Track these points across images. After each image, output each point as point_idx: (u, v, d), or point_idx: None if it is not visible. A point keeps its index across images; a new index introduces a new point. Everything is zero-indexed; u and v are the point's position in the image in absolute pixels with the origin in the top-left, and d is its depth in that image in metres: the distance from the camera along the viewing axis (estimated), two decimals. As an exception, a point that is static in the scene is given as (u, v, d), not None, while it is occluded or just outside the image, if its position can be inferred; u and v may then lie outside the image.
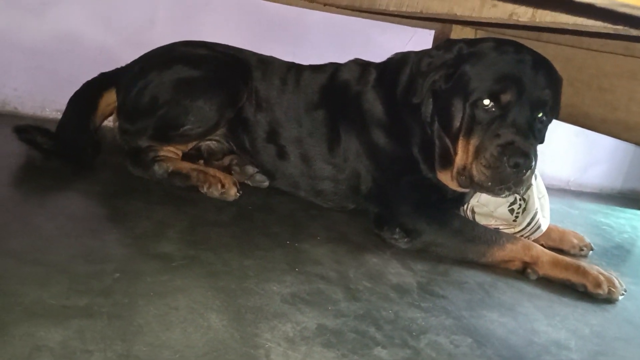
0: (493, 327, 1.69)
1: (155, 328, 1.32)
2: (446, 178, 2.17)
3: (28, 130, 2.21)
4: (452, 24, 3.11)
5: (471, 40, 2.15)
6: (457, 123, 2.04)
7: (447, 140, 2.12)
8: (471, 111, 2.00)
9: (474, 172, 1.97)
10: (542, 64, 2.02)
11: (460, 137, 2.03)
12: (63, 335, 1.22)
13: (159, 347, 1.25)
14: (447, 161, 2.13)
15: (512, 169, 1.90)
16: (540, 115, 2.02)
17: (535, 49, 2.09)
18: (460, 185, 2.12)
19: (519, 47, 2.04)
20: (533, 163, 1.92)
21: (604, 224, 3.37)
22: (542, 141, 2.20)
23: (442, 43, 2.19)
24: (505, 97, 1.95)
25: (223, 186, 2.28)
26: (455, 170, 2.08)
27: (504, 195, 2.09)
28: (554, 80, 2.06)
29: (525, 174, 1.92)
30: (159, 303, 1.43)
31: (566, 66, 2.59)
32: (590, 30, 1.24)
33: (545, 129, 2.15)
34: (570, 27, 1.27)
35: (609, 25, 1.14)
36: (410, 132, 2.25)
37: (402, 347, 1.46)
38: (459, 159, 2.05)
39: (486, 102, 1.97)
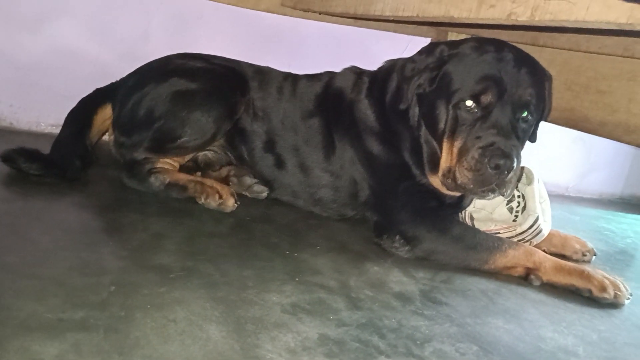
0: (499, 334, 1.65)
1: (152, 341, 1.29)
2: (437, 182, 2.15)
3: (12, 157, 2.18)
4: (448, 30, 3.11)
5: (453, 42, 2.16)
6: (442, 125, 2.04)
7: (434, 143, 2.12)
8: (454, 113, 2.00)
9: (457, 175, 1.97)
10: (524, 62, 2.00)
11: (445, 139, 2.03)
12: (59, 349, 1.19)
13: (156, 360, 1.22)
14: (435, 164, 2.12)
15: (493, 171, 1.89)
16: (525, 114, 2.01)
17: (532, 54, 2.09)
18: (447, 189, 2.10)
19: (500, 46, 2.02)
20: (515, 164, 1.90)
21: (606, 229, 3.35)
22: (533, 140, 2.21)
23: (425, 47, 2.19)
24: (486, 98, 1.95)
25: (220, 197, 2.26)
26: (441, 172, 2.07)
27: (488, 198, 2.10)
28: (538, 77, 2.05)
29: (507, 175, 1.91)
30: (156, 315, 1.39)
31: (563, 70, 2.59)
32: (591, 27, 1.22)
33: (534, 128, 2.15)
34: (570, 25, 1.26)
35: (612, 21, 1.12)
36: (401, 138, 2.25)
37: (407, 356, 1.43)
38: (444, 161, 2.05)
39: (468, 103, 1.97)
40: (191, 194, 2.29)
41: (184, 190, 2.30)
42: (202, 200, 2.27)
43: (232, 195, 2.30)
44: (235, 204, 2.28)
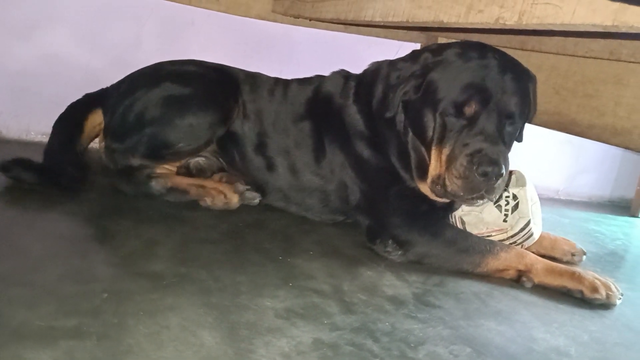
0: (491, 336, 1.66)
1: (145, 347, 1.28)
2: (425, 189, 2.15)
3: (12, 168, 2.17)
4: (438, 36, 3.13)
5: (436, 48, 2.15)
6: (430, 133, 2.04)
7: (422, 150, 2.12)
8: (441, 120, 2.00)
9: (447, 182, 1.97)
10: (508, 67, 2.01)
11: (433, 147, 2.04)
12: (52, 357, 1.19)
13: (150, 367, 1.22)
14: (424, 171, 2.12)
15: (481, 178, 1.89)
16: (510, 119, 2.02)
17: (519, 58, 2.10)
18: (437, 195, 2.10)
19: (483, 51, 2.03)
20: (503, 170, 1.91)
21: (596, 231, 3.37)
22: (520, 140, 2.21)
23: (409, 54, 2.20)
24: (471, 107, 1.95)
25: (225, 196, 2.28)
26: (430, 180, 2.07)
27: (477, 205, 2.11)
28: (522, 82, 2.05)
29: (495, 181, 1.92)
30: (149, 322, 1.39)
31: (551, 74, 2.62)
32: (577, 30, 1.24)
33: (520, 130, 2.16)
34: (557, 29, 1.28)
35: (598, 23, 1.14)
36: (389, 144, 2.26)
37: (401, 359, 1.43)
38: (433, 169, 2.05)
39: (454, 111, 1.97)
40: (194, 197, 2.32)
41: (186, 194, 2.32)
42: (207, 202, 2.30)
43: (235, 192, 2.32)
44: (240, 201, 2.33)
